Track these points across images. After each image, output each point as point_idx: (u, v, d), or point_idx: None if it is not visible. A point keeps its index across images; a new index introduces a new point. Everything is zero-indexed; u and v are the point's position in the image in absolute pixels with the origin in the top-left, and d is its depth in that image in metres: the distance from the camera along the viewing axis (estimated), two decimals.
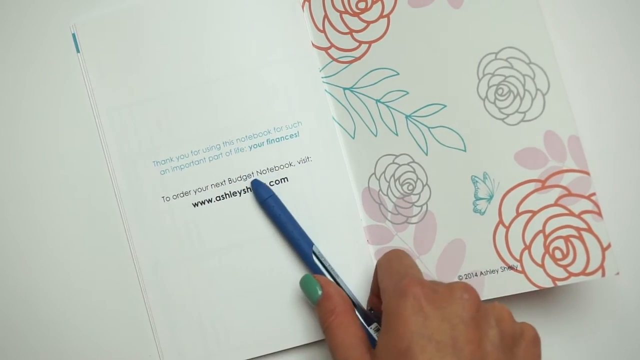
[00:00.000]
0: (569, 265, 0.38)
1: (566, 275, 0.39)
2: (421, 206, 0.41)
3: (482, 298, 0.37)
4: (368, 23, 0.41)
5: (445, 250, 0.40)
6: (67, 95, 0.42)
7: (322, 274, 0.39)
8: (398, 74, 0.41)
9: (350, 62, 0.41)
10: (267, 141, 0.41)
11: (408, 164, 0.41)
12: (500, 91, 0.39)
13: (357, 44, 0.41)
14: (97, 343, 0.41)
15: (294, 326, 0.41)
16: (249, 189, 0.41)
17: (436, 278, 0.40)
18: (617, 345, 0.41)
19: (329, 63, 0.42)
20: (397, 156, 0.41)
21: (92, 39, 0.42)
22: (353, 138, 0.42)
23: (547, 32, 0.39)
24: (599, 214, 0.38)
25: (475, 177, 0.40)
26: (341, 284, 0.39)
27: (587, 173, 0.38)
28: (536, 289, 0.39)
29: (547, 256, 0.39)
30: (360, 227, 0.41)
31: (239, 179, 0.41)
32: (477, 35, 0.40)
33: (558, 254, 0.39)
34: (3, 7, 0.43)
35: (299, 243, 0.40)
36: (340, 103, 0.42)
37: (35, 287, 0.42)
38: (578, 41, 0.42)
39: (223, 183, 0.41)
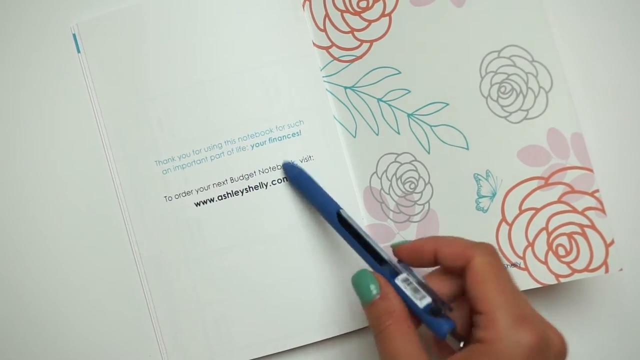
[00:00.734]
0: (573, 262, 0.38)
1: (569, 272, 0.38)
2: (423, 204, 0.41)
3: None
4: (369, 22, 0.41)
5: None
6: (68, 95, 0.42)
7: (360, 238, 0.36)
8: (400, 72, 0.41)
9: (352, 61, 0.41)
10: (268, 140, 0.41)
11: (410, 162, 0.41)
12: (503, 89, 0.39)
13: (359, 42, 0.41)
14: (97, 343, 0.41)
15: (298, 326, 0.41)
16: (251, 188, 0.41)
17: None
18: (621, 341, 0.41)
19: (330, 62, 0.42)
20: (399, 155, 0.41)
21: (93, 39, 0.42)
22: (354, 137, 0.41)
23: (550, 30, 0.39)
24: (603, 210, 0.38)
25: (478, 175, 0.40)
26: (376, 248, 0.35)
27: (591, 170, 0.38)
28: (540, 285, 0.39)
29: (550, 253, 0.39)
30: (362, 226, 0.41)
31: (241, 178, 0.41)
32: (480, 34, 0.40)
33: (561, 251, 0.39)
34: (3, 7, 0.43)
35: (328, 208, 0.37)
36: (342, 102, 0.42)
37: (36, 287, 0.42)
38: (581, 39, 0.42)
39: (225, 182, 0.41)
